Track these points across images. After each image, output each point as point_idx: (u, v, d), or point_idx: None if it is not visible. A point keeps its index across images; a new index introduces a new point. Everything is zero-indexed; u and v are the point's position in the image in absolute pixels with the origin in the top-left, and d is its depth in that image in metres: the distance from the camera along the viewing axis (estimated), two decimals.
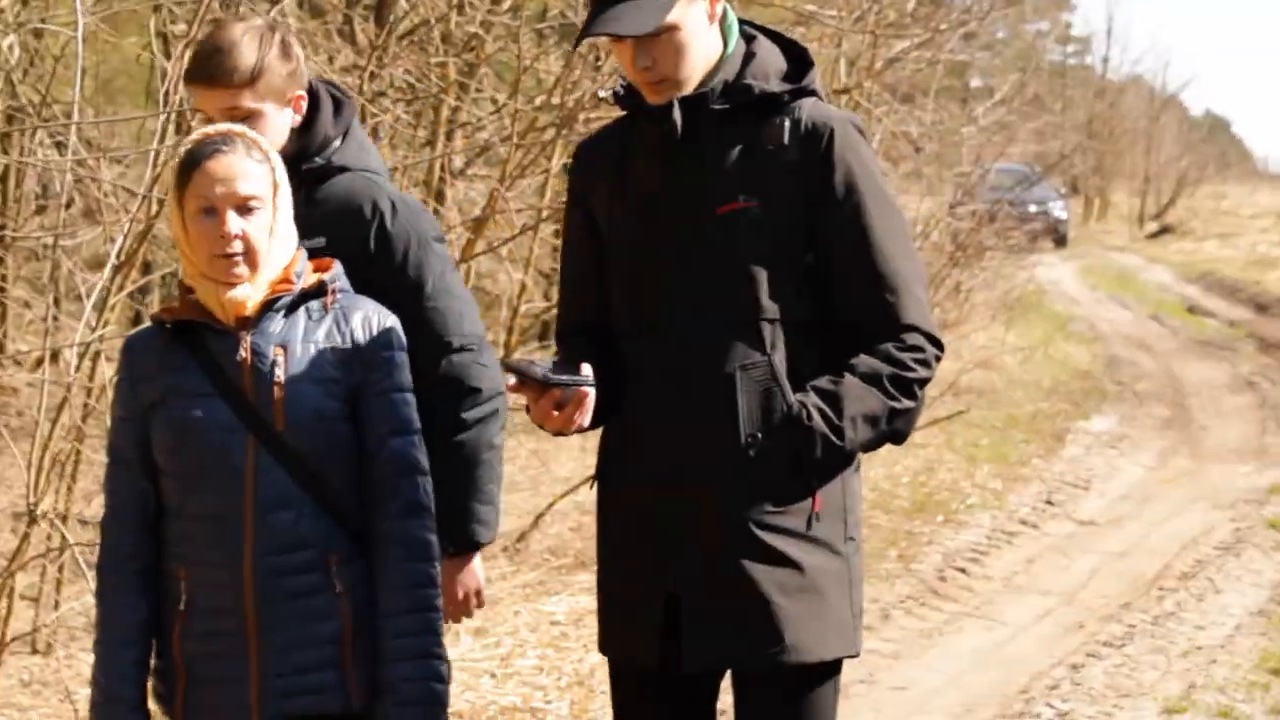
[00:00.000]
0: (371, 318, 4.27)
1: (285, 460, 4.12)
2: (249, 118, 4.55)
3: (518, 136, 9.62)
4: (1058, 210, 42.84)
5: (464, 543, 4.77)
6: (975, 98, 26.27)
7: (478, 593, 4.85)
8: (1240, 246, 42.83)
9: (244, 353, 4.13)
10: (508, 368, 4.18)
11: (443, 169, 10.74)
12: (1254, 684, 8.35)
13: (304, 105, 4.73)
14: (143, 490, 4.20)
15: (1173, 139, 59.84)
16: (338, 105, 4.84)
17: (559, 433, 4.22)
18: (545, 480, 13.02)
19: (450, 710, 7.59)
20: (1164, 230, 53.12)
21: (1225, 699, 8.11)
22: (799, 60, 4.40)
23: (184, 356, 4.17)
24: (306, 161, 4.70)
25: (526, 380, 4.08)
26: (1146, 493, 13.70)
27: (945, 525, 12.18)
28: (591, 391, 4.13)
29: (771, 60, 4.36)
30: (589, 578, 9.90)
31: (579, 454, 13.26)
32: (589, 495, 11.24)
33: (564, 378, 4.10)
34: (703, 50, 4.27)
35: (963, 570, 10.88)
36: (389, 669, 4.14)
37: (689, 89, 4.25)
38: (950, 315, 19.19)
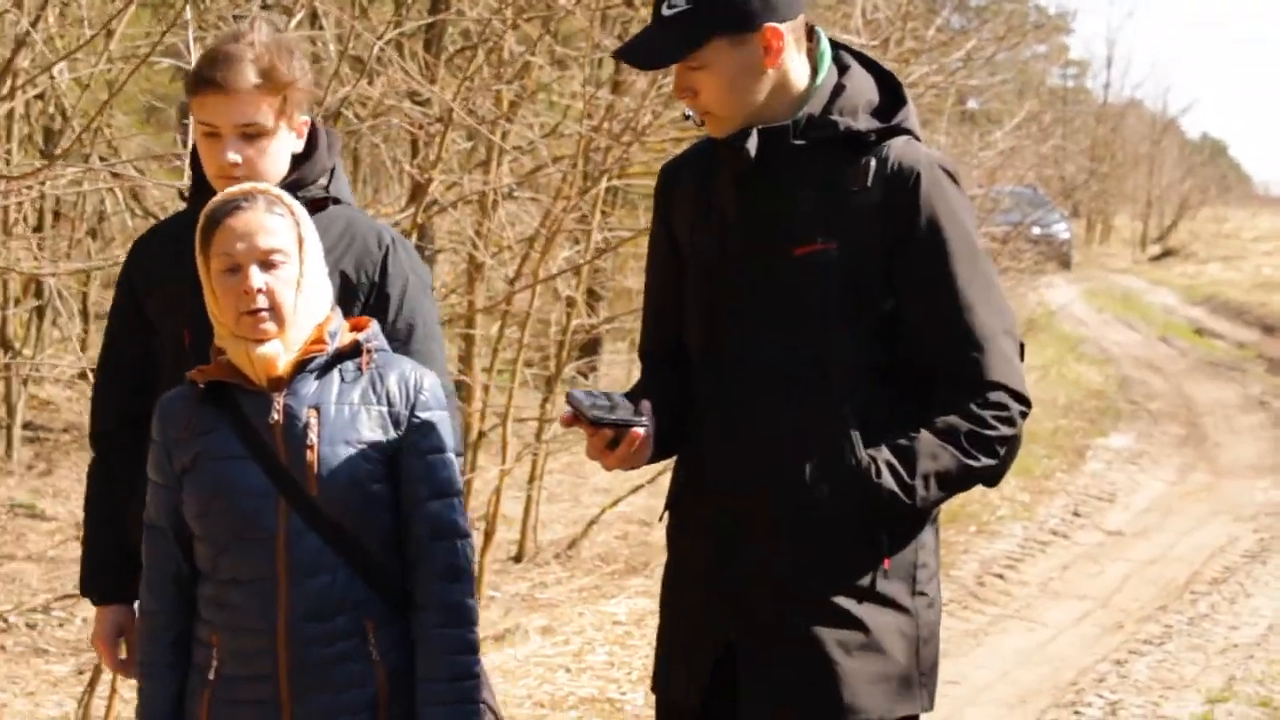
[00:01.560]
0: (409, 377, 4.15)
1: (319, 525, 4.00)
2: (260, 136, 4.37)
3: (577, 160, 10.04)
4: (1062, 233, 43.04)
5: None
6: (973, 121, 26.67)
7: None
8: (1244, 269, 43.18)
9: (276, 414, 4.03)
10: (568, 400, 4.03)
11: (495, 191, 11.09)
12: None
13: (305, 133, 4.53)
14: (176, 559, 4.10)
15: (1173, 163, 59.98)
16: (329, 137, 4.65)
17: (616, 469, 4.12)
18: (584, 491, 13.53)
19: (531, 699, 8.06)
20: (1166, 253, 53.25)
21: (1264, 690, 8.56)
22: (893, 94, 4.20)
23: (215, 418, 4.06)
24: (303, 190, 4.47)
25: (580, 417, 3.98)
26: (1169, 506, 14.10)
27: (979, 535, 12.60)
28: (644, 432, 4.00)
29: (861, 94, 4.16)
30: (642, 581, 10.36)
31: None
32: (632, 504, 11.76)
33: (614, 418, 3.98)
34: (751, 90, 4.08)
35: (1000, 576, 11.29)
36: None
37: (738, 123, 4.08)
38: None
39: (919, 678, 4.11)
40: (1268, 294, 35.36)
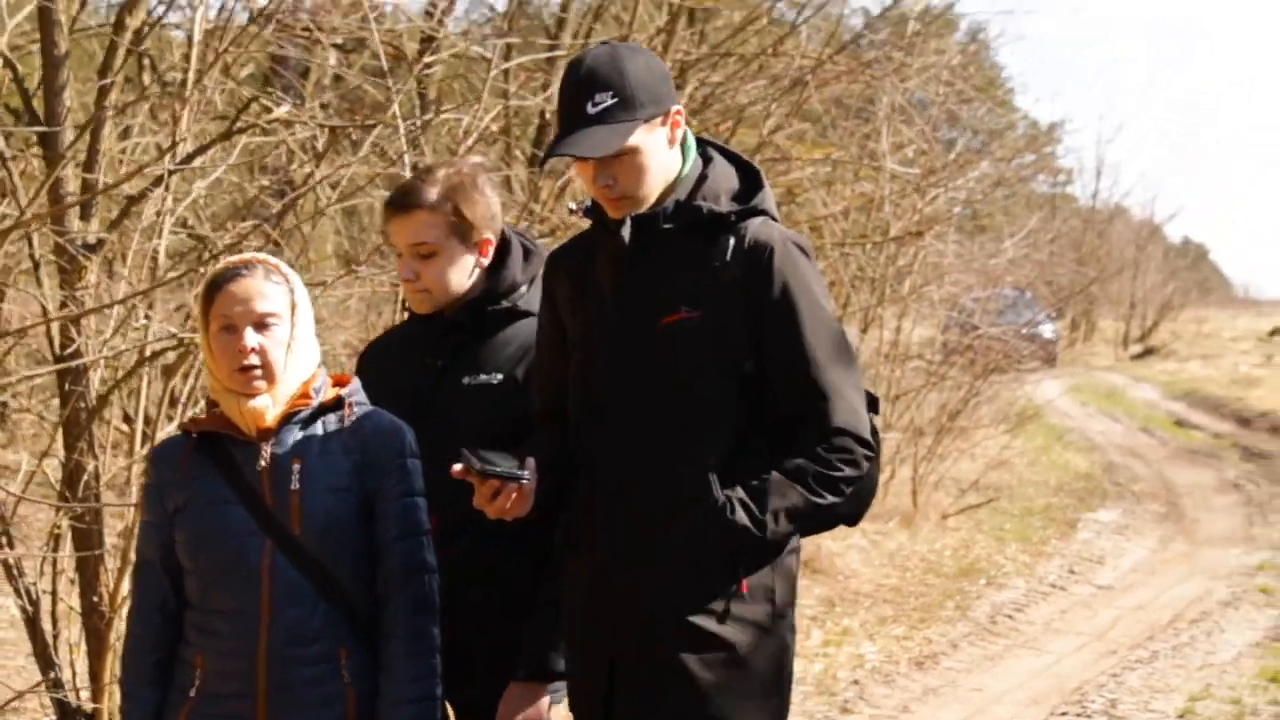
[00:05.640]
0: (386, 429, 4.43)
1: (299, 561, 4.26)
2: (431, 254, 4.82)
3: None
4: (1048, 332, 44.20)
5: (539, 670, 4.78)
6: (963, 227, 28.31)
7: None
8: (1222, 367, 44.61)
9: (264, 462, 4.29)
10: (461, 456, 4.24)
11: None
12: (1257, 686, 10.77)
13: (490, 250, 4.91)
14: (164, 590, 4.36)
15: (1156, 266, 61.17)
16: (526, 253, 5.01)
17: (499, 519, 4.36)
18: None
19: None
20: (1148, 352, 54.56)
21: (1235, 694, 10.54)
22: (751, 180, 4.55)
23: (207, 465, 4.33)
24: (493, 304, 4.90)
25: (469, 469, 4.21)
26: (1152, 567, 15.89)
27: (988, 586, 14.47)
28: (526, 484, 4.29)
29: (724, 181, 4.50)
30: None
31: None
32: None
33: (499, 470, 4.22)
34: (661, 170, 4.40)
35: (1010, 617, 13.17)
36: None
37: (648, 204, 4.40)
38: (961, 424, 21.17)
39: (775, 690, 4.47)
40: (1244, 389, 36.74)
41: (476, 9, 13.55)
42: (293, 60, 11.15)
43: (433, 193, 4.80)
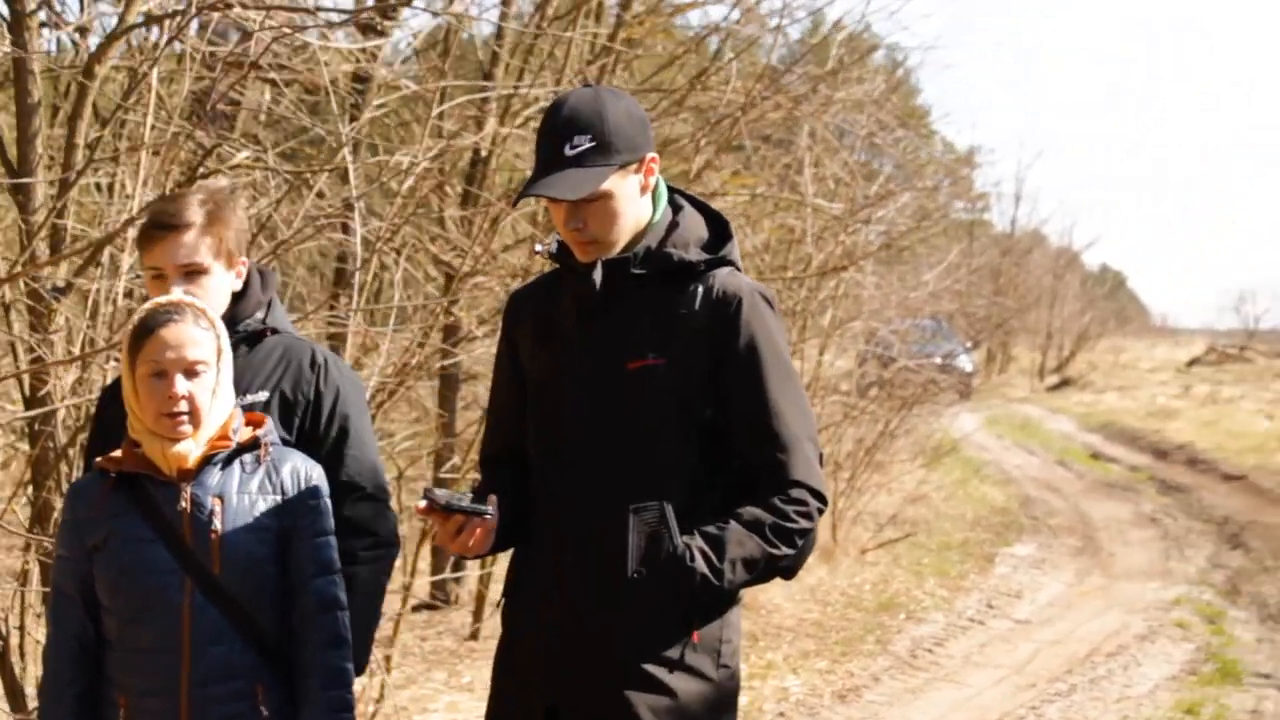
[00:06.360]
0: (300, 469, 4.50)
1: (219, 600, 4.30)
2: (200, 273, 4.73)
3: None
4: (965, 364, 44.29)
5: None
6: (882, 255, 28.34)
7: None
8: (1139, 398, 44.68)
9: (184, 503, 4.32)
10: (424, 493, 4.30)
11: None
12: (1173, 718, 10.91)
13: (244, 273, 4.91)
14: (82, 623, 4.36)
15: (1074, 295, 61.42)
16: (262, 276, 5.02)
17: (460, 556, 4.48)
18: None
19: None
20: (1064, 383, 54.68)
21: None
22: (720, 231, 4.61)
23: (126, 504, 4.34)
24: (241, 323, 4.88)
25: (434, 506, 4.28)
26: (1069, 601, 16.01)
27: (908, 620, 14.57)
28: (490, 521, 4.36)
29: (693, 230, 4.55)
30: None
31: None
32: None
33: (465, 506, 4.27)
34: (632, 217, 4.43)
35: (930, 651, 13.27)
36: None
37: (616, 250, 4.44)
38: (879, 458, 21.29)
39: None
40: (1161, 421, 36.84)
41: (405, 39, 13.53)
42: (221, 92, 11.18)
43: (198, 213, 4.77)
